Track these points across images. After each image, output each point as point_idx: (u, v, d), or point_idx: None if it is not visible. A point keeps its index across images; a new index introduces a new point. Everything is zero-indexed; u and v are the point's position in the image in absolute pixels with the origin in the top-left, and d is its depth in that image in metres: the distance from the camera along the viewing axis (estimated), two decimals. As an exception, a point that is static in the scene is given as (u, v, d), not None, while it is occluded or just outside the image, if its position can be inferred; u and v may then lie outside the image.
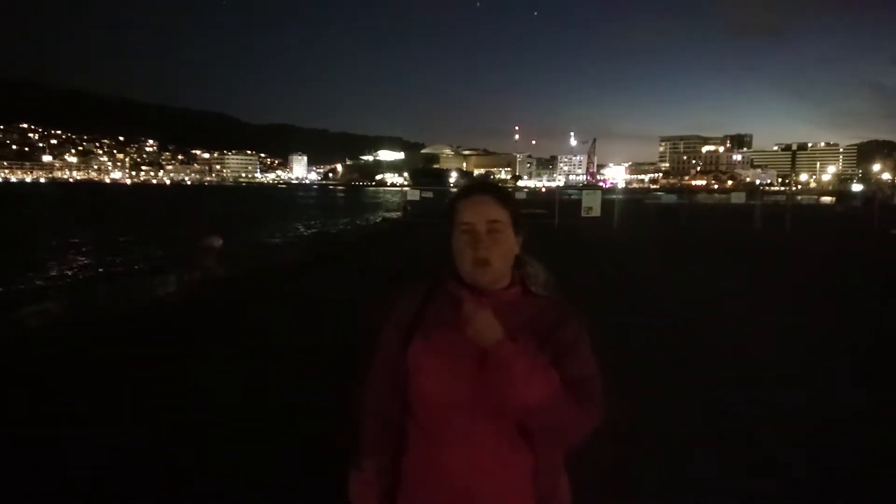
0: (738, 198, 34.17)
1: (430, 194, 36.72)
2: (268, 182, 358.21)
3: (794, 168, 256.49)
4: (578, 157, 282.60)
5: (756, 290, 10.35)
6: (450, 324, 1.36)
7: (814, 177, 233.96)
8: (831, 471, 3.72)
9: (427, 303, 1.48)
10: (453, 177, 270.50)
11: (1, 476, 3.54)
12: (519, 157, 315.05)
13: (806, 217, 27.58)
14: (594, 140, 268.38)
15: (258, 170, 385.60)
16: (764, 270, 12.96)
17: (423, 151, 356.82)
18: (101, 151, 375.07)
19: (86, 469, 3.60)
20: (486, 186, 1.47)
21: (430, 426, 1.40)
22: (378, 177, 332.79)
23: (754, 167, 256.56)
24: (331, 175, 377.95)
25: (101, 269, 19.03)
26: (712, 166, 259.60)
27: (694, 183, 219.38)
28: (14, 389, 4.92)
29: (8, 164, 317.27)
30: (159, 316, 8.01)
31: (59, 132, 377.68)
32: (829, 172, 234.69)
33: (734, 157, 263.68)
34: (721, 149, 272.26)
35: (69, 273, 18.68)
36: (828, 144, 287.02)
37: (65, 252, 24.14)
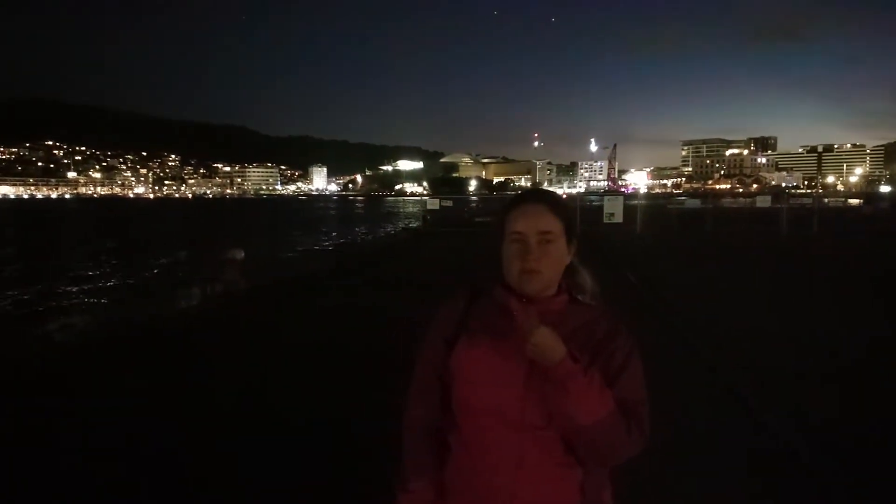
0: (764, 201, 33.68)
1: (449, 203, 36.77)
2: (288, 194, 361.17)
3: (820, 170, 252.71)
4: (599, 163, 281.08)
5: (782, 296, 10.08)
6: (496, 331, 1.35)
7: (840, 179, 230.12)
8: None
9: (471, 309, 1.45)
10: (472, 185, 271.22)
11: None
12: (538, 163, 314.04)
13: (833, 220, 27.01)
14: (615, 145, 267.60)
15: (279, 182, 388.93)
16: (788, 275, 12.68)
17: (441, 160, 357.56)
18: (124, 167, 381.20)
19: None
20: (538, 195, 1.44)
21: (473, 437, 1.36)
22: (397, 186, 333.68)
23: (779, 170, 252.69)
24: (350, 186, 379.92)
25: (125, 284, 19.23)
26: (736, 170, 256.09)
27: (718, 187, 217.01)
28: (34, 400, 4.92)
29: (34, 180, 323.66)
30: (182, 328, 8.02)
31: (83, 148, 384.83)
32: (857, 174, 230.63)
33: (759, 160, 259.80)
34: (745, 152, 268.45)
35: (94, 288, 18.88)
36: (854, 146, 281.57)
37: (90, 267, 24.46)
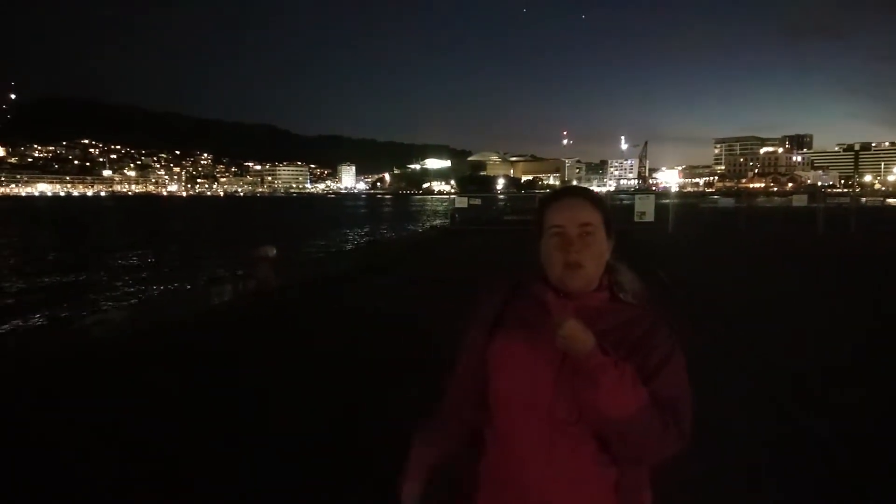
0: (800, 200, 32.84)
1: (477, 201, 36.57)
2: (318, 192, 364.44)
3: (857, 169, 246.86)
4: (630, 161, 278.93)
5: (817, 296, 9.86)
6: (532, 325, 1.34)
7: (878, 177, 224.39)
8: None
9: (509, 302, 1.45)
10: (500, 183, 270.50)
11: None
12: (567, 162, 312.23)
13: (871, 220, 26.28)
14: (646, 143, 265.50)
15: (308, 180, 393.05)
16: (824, 276, 12.41)
17: (469, 159, 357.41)
18: (158, 165, 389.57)
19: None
20: (576, 189, 1.44)
21: (506, 431, 1.36)
22: (425, 185, 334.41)
23: (815, 168, 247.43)
24: (379, 184, 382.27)
25: (160, 279, 19.57)
26: (771, 168, 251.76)
27: (752, 186, 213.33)
28: (67, 398, 5.05)
29: (70, 178, 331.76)
30: (215, 324, 8.12)
31: (118, 147, 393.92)
32: (895, 173, 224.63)
33: (794, 158, 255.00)
34: (780, 150, 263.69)
35: (130, 283, 19.26)
36: (892, 144, 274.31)
37: (125, 263, 24.98)
